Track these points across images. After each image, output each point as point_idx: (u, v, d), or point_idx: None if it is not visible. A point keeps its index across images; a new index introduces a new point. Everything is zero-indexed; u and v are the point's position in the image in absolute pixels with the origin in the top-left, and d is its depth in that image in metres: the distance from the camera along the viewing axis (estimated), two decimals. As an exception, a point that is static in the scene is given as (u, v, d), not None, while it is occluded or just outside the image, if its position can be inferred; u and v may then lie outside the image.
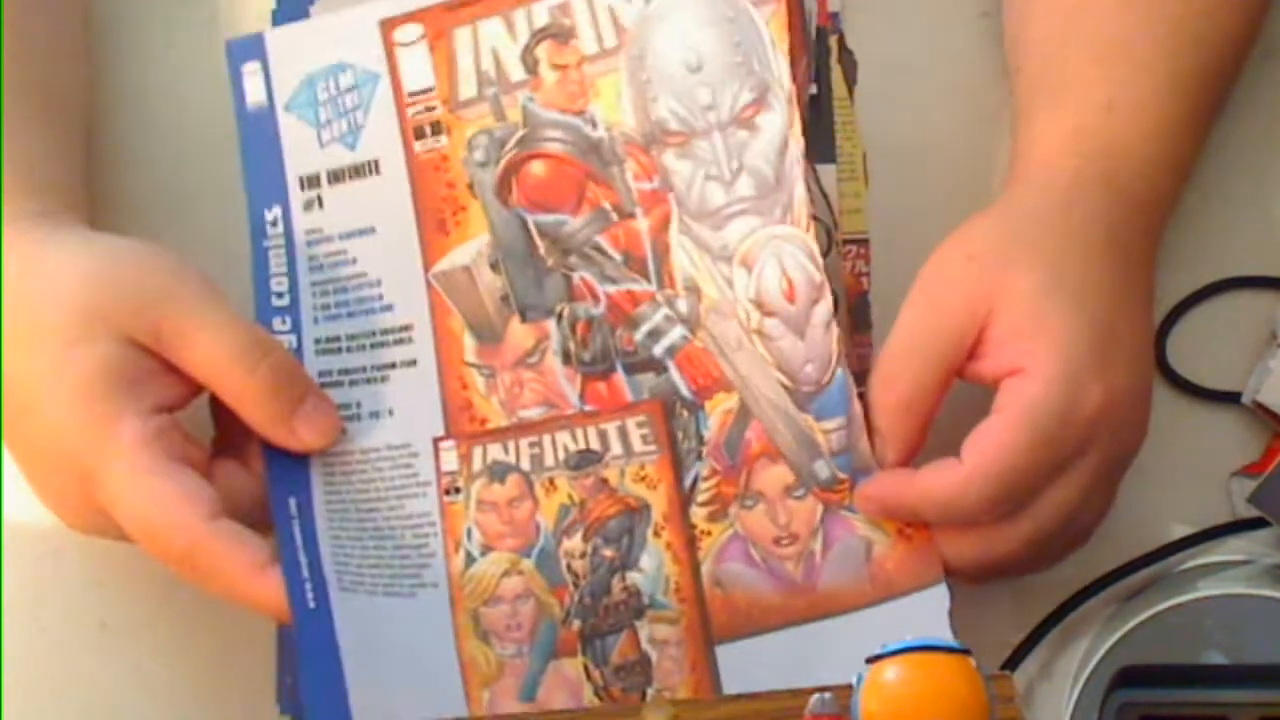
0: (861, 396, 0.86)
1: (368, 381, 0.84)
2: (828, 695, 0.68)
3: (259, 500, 0.82)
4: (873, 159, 0.90)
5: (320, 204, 0.86)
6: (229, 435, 0.83)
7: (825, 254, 0.88)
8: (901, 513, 0.80)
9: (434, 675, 0.81)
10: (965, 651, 0.65)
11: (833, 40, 0.92)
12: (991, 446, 0.76)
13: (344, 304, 0.85)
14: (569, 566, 0.82)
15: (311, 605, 0.81)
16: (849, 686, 0.66)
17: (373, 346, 0.85)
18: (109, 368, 0.78)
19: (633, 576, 0.82)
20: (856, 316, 0.88)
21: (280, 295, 0.85)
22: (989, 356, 0.78)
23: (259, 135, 0.87)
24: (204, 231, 0.89)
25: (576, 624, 0.82)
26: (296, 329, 0.85)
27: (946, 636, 0.70)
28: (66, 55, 0.88)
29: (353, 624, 0.81)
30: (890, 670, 0.65)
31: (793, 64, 0.91)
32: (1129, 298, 0.80)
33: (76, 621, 0.85)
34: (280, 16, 0.92)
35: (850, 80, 0.91)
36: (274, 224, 0.86)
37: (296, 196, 0.86)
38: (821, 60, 0.91)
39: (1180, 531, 0.83)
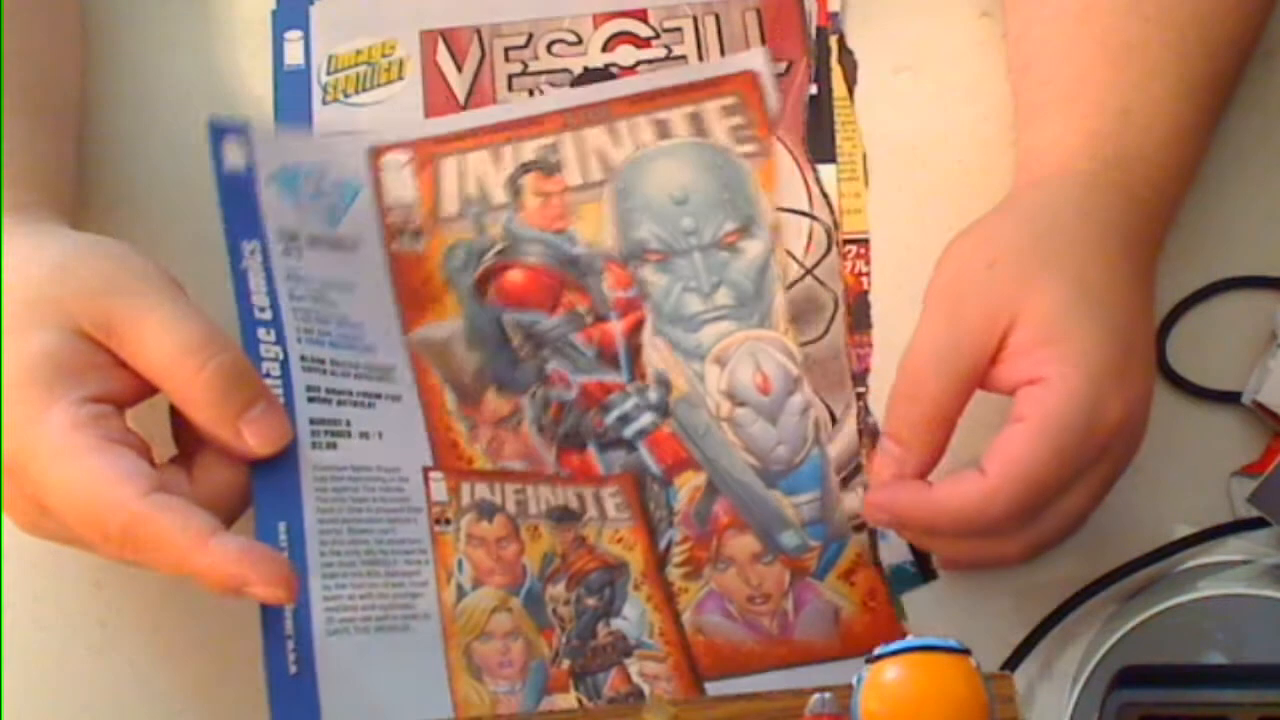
0: (860, 396, 0.86)
1: (354, 404, 0.84)
2: (828, 695, 0.68)
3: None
4: (873, 159, 0.90)
5: (299, 254, 0.86)
6: (187, 452, 0.81)
7: (825, 254, 0.89)
8: (914, 525, 0.79)
9: (426, 711, 0.80)
10: (965, 651, 0.65)
11: (833, 40, 0.92)
12: (1016, 458, 0.76)
13: (326, 333, 0.85)
14: (554, 611, 0.83)
15: (293, 671, 0.79)
16: (849, 686, 0.66)
17: (357, 376, 0.85)
18: (50, 355, 0.76)
19: (617, 623, 0.83)
20: (856, 316, 0.88)
21: (263, 310, 0.84)
22: (1008, 364, 0.78)
23: (237, 194, 0.86)
24: (202, 231, 0.89)
25: (566, 663, 0.82)
26: (281, 342, 0.83)
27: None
28: (56, 51, 0.88)
29: (339, 679, 0.79)
30: (890, 670, 0.65)
31: (792, 65, 0.91)
32: (1143, 308, 0.80)
33: (76, 621, 0.85)
34: (280, 17, 0.93)
35: (850, 80, 0.91)
36: (252, 254, 0.85)
37: (275, 242, 0.85)
38: (821, 60, 0.91)
39: (1180, 531, 0.83)
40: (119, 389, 0.78)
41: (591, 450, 0.86)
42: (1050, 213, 0.80)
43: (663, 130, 0.90)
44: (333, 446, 0.82)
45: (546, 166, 0.89)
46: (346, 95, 0.91)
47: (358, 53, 0.92)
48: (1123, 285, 0.79)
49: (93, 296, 0.78)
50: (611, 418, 0.86)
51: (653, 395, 0.86)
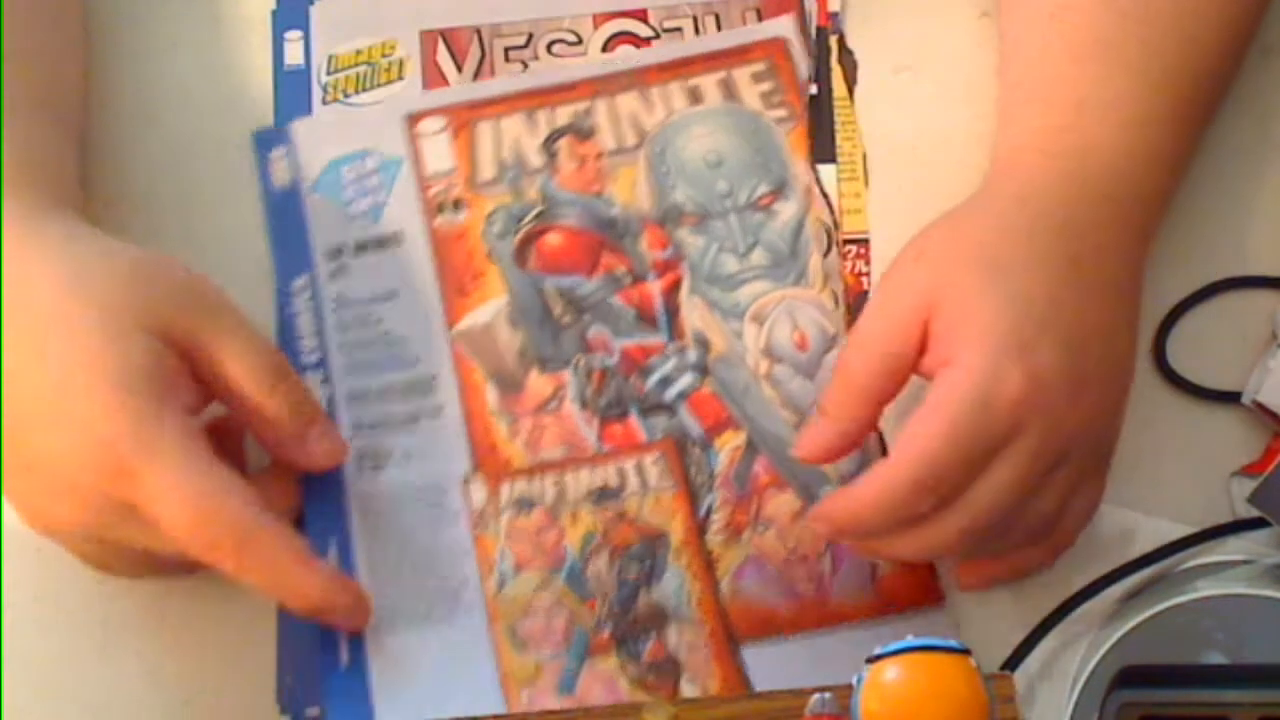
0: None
1: (397, 429, 0.86)
2: (828, 695, 0.68)
3: None
4: (873, 159, 0.90)
5: (346, 272, 0.88)
6: None
7: (825, 254, 0.89)
8: (846, 525, 0.79)
9: (473, 691, 0.83)
10: (965, 651, 0.65)
11: (833, 40, 0.92)
12: (912, 437, 0.77)
13: (372, 360, 0.87)
14: (597, 583, 0.84)
15: (345, 664, 0.83)
16: (849, 686, 0.66)
17: (401, 396, 0.87)
18: (151, 363, 0.78)
19: (657, 592, 0.84)
20: (856, 316, 0.88)
21: (311, 352, 0.87)
22: (930, 352, 0.79)
23: (286, 214, 0.89)
24: (201, 230, 0.89)
25: (608, 630, 0.84)
26: (329, 382, 0.87)
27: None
28: (62, 52, 0.88)
29: (389, 668, 0.83)
30: (890, 670, 0.65)
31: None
32: (1082, 289, 0.79)
33: (77, 621, 0.85)
34: (280, 17, 0.93)
35: (850, 80, 0.91)
36: (301, 291, 0.88)
37: (323, 267, 0.88)
38: (821, 60, 0.91)
39: (1180, 531, 0.83)
40: (193, 401, 0.80)
41: (633, 418, 0.86)
42: (982, 206, 0.82)
43: (695, 96, 0.91)
44: (376, 470, 0.86)
45: (581, 131, 0.90)
46: (346, 95, 0.91)
47: (358, 53, 0.92)
48: (1048, 266, 0.79)
49: (182, 308, 0.80)
50: (652, 381, 0.87)
51: (692, 355, 0.87)
